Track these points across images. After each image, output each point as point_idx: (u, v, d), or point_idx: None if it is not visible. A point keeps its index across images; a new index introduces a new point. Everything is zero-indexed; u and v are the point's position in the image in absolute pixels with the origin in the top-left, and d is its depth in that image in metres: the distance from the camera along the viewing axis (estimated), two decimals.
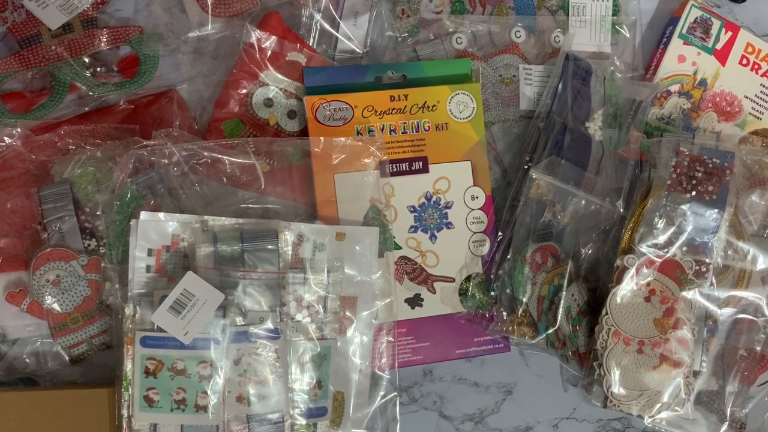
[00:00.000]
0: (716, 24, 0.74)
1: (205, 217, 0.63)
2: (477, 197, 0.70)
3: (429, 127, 0.69)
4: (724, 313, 0.69)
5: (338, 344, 0.64)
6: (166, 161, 0.64)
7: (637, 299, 0.65)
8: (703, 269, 0.67)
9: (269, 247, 0.62)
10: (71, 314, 0.64)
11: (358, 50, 0.71)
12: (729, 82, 0.74)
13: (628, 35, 0.75)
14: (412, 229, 0.69)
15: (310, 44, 0.70)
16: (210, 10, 0.68)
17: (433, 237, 0.69)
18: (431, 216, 0.69)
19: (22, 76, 0.68)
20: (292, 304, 0.62)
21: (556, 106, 0.70)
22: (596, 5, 0.74)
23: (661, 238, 0.67)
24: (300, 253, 0.64)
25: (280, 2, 0.70)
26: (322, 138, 0.66)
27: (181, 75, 0.70)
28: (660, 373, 0.64)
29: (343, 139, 0.67)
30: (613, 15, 0.74)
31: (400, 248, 0.68)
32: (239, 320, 0.60)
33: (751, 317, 0.69)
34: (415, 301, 0.69)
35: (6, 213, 0.64)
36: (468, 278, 0.69)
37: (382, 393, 0.66)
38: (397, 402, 0.66)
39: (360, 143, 0.67)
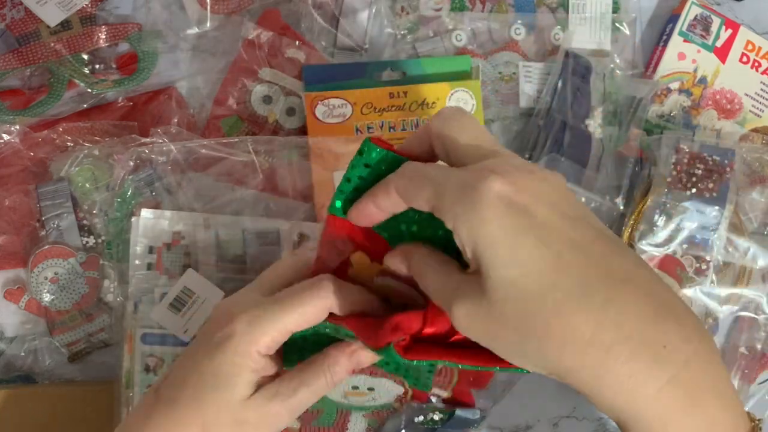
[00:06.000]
0: (716, 21, 0.74)
1: (206, 215, 0.63)
2: None
3: None
4: (725, 311, 0.68)
5: None
6: (165, 159, 0.64)
7: None
8: (704, 267, 0.67)
9: (271, 245, 0.62)
10: (69, 312, 0.64)
11: (357, 47, 0.70)
12: (729, 79, 0.74)
13: (628, 33, 0.74)
14: None
15: (309, 41, 0.70)
16: (209, 7, 0.68)
17: None
18: None
19: (20, 73, 0.68)
20: None
21: (555, 104, 0.70)
22: (596, 3, 0.73)
23: (661, 236, 0.67)
24: None
25: None
26: (321, 135, 0.66)
27: (179, 72, 0.70)
28: None
29: (342, 137, 0.66)
30: (613, 12, 0.74)
31: None
32: None
33: (751, 315, 0.69)
34: None
35: (4, 210, 0.63)
36: None
37: None
38: None
39: (359, 140, 0.67)
